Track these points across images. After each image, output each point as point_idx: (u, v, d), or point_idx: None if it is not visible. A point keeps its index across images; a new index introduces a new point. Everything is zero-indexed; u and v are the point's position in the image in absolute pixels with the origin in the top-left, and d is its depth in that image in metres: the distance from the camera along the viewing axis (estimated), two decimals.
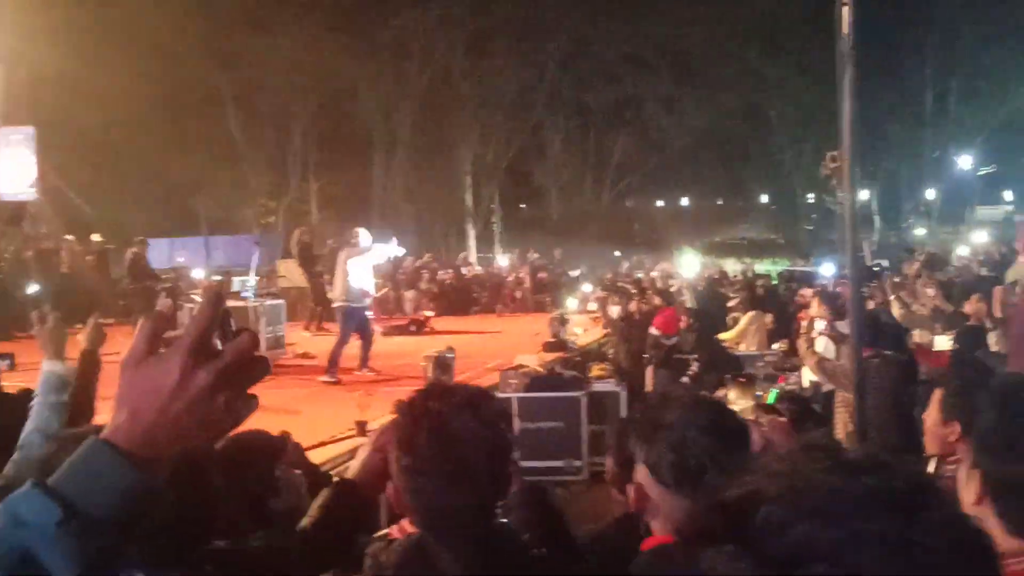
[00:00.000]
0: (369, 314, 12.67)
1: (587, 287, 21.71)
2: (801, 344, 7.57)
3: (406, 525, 1.98)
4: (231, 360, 1.00)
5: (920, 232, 38.79)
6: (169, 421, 0.99)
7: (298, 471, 3.96)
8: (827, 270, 16.85)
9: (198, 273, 22.31)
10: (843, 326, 7.31)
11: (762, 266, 28.02)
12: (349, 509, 2.05)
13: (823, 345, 7.99)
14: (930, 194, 38.14)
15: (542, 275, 25.73)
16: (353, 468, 2.14)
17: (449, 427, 1.83)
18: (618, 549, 2.23)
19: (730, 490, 0.94)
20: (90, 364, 4.00)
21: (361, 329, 12.29)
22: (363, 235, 12.58)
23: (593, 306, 17.67)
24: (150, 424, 0.99)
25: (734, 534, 0.89)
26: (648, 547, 1.96)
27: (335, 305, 12.54)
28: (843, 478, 0.88)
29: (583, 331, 16.08)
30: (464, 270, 27.18)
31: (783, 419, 3.93)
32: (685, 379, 11.16)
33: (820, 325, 8.00)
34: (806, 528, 0.85)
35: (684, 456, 1.87)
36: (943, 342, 9.86)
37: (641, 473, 1.95)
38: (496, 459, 1.87)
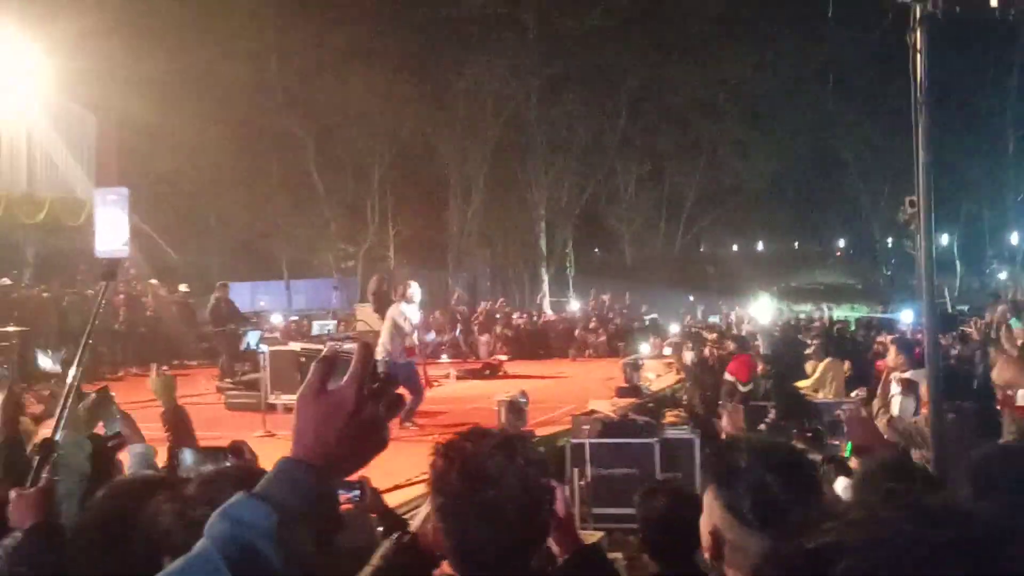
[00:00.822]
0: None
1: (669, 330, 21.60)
2: (875, 404, 7.40)
3: (446, 568, 2.04)
4: (385, 397, 1.27)
5: (1002, 276, 37.85)
6: (347, 440, 1.24)
7: (372, 515, 4.04)
8: (906, 317, 16.55)
9: (277, 317, 22.82)
10: (919, 375, 7.18)
11: (840, 312, 27.62)
12: (408, 559, 2.08)
13: (898, 403, 7.83)
14: (1014, 239, 37.22)
15: (614, 319, 25.71)
16: (417, 520, 2.18)
17: (480, 467, 1.86)
18: None
19: (811, 536, 0.91)
20: (176, 419, 4.08)
21: (408, 383, 11.81)
22: (415, 288, 12.55)
23: (668, 351, 17.59)
24: (333, 443, 1.23)
25: None
26: None
27: (380, 359, 12.25)
28: (923, 528, 0.86)
29: (656, 376, 16.01)
30: (536, 316, 27.34)
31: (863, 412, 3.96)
32: (762, 426, 11.06)
33: (895, 388, 7.79)
34: None
35: (764, 496, 1.86)
36: None
37: (717, 515, 1.93)
38: (529, 502, 1.87)
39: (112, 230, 3.08)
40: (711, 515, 1.97)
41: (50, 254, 22.08)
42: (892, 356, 8.71)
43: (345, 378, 1.25)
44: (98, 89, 20.27)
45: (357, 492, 3.41)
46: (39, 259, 22.47)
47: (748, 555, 1.88)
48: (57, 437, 3.11)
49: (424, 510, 2.15)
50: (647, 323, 25.77)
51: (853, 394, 12.73)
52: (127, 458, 3.69)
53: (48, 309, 17.34)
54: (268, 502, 1.16)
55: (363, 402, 1.25)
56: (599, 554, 2.60)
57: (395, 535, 2.23)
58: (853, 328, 20.45)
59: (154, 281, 22.25)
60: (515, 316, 26.45)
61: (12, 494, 2.75)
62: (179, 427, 4.05)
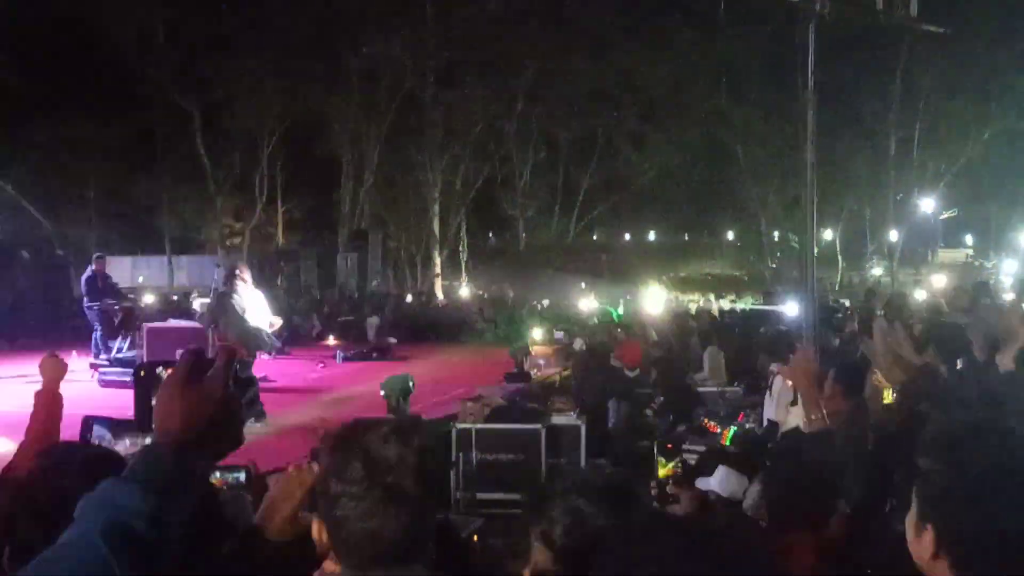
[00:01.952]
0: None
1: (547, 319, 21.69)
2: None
3: (329, 565, 1.94)
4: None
5: (878, 272, 39.28)
6: (210, 429, 1.38)
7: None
8: (791, 309, 16.92)
9: (150, 297, 22.02)
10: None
11: (725, 302, 28.19)
12: (257, 553, 2.08)
13: (778, 388, 7.93)
14: (893, 235, 38.63)
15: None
16: (262, 514, 2.18)
17: (380, 453, 1.83)
18: None
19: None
20: (52, 403, 4.08)
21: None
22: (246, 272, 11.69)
23: (559, 335, 17.65)
24: (198, 429, 1.36)
25: None
26: None
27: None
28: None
29: (545, 363, 16.03)
30: (427, 299, 27.17)
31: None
32: (648, 412, 11.15)
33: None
34: None
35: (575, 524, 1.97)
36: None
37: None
38: (425, 488, 1.85)
39: None
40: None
41: None
42: (829, 387, 8.74)
43: (211, 372, 1.40)
44: None
45: (242, 474, 3.42)
46: None
47: None
48: None
49: (267, 503, 2.15)
50: (539, 309, 25.83)
51: (735, 384, 12.95)
52: None
53: None
54: (138, 484, 1.26)
55: (229, 396, 1.39)
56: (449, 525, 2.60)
57: (243, 531, 2.18)
58: (745, 317, 20.81)
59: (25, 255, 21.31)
60: (408, 299, 26.25)
61: None
62: (51, 412, 4.15)
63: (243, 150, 32.63)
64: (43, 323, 18.80)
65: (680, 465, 5.60)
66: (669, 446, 6.98)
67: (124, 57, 29.02)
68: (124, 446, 5.89)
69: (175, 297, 23.65)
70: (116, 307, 15.83)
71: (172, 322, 13.72)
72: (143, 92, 30.21)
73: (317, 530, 1.92)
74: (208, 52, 29.77)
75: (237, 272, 11.49)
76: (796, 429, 6.95)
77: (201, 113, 31.52)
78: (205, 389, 1.39)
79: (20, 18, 25.60)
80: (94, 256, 17.01)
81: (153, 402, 1.46)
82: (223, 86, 30.64)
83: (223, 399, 1.39)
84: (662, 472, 5.53)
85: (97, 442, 6.67)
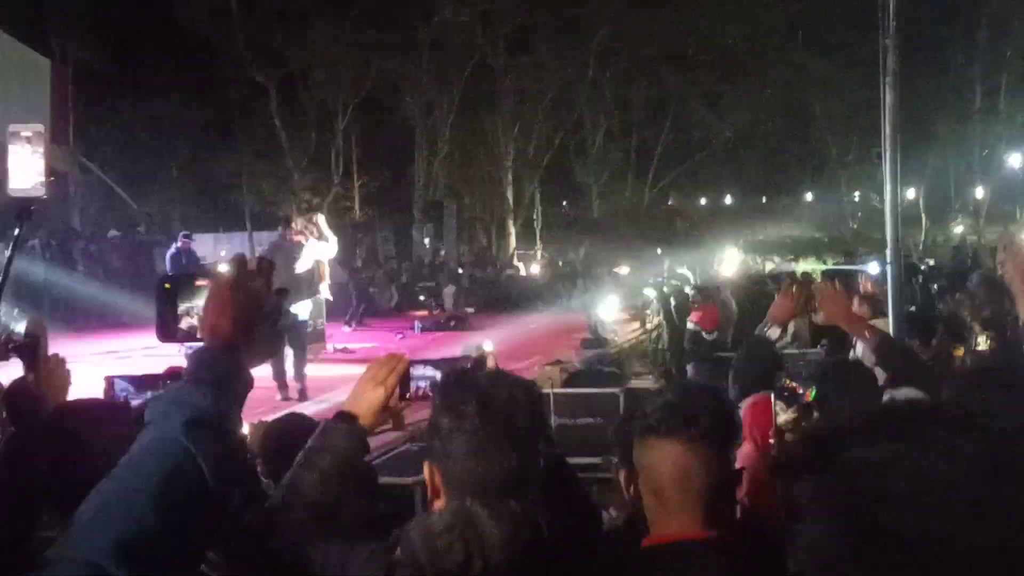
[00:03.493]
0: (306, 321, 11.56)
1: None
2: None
3: (439, 504, 1.98)
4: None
5: (959, 230, 38.14)
6: (259, 331, 1.47)
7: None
8: (872, 268, 16.57)
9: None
10: (882, 324, 7.15)
11: (806, 264, 27.71)
12: (353, 437, 2.08)
13: (860, 350, 7.78)
14: (979, 193, 37.44)
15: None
16: (351, 401, 2.15)
17: (492, 391, 1.90)
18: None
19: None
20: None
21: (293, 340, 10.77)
22: (321, 220, 12.07)
23: (636, 302, 17.58)
24: (247, 331, 1.46)
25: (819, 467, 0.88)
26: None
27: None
28: (937, 433, 0.84)
29: (622, 328, 16.00)
30: (507, 271, 27.24)
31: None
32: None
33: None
34: (890, 475, 0.82)
35: None
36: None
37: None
38: (534, 427, 1.92)
39: (26, 167, 2.89)
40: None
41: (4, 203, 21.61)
42: (856, 306, 8.68)
43: (255, 279, 1.49)
44: (54, 33, 19.80)
45: None
46: None
47: None
48: None
49: (356, 391, 2.16)
50: (615, 275, 25.72)
51: (819, 346, 12.74)
52: None
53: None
54: (206, 384, 1.37)
55: (274, 303, 1.49)
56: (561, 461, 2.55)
57: (337, 412, 2.17)
58: (818, 280, 20.45)
59: (115, 232, 21.92)
60: (488, 271, 26.36)
61: None
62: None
63: (318, 124, 32.98)
64: (132, 301, 19.36)
65: (801, 410, 5.54)
66: (787, 393, 6.93)
67: (200, 34, 29.50)
68: (145, 398, 6.04)
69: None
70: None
71: None
72: (220, 69, 30.70)
73: (428, 471, 1.96)
74: (282, 26, 30.10)
75: (293, 225, 11.81)
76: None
77: (277, 88, 31.92)
78: (253, 293, 1.47)
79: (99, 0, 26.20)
80: (180, 235, 17.45)
81: (180, 310, 1.64)
82: (297, 60, 30.98)
83: (268, 305, 1.48)
84: (782, 419, 5.49)
85: (122, 396, 6.89)
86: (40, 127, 2.91)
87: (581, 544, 2.20)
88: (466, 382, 1.95)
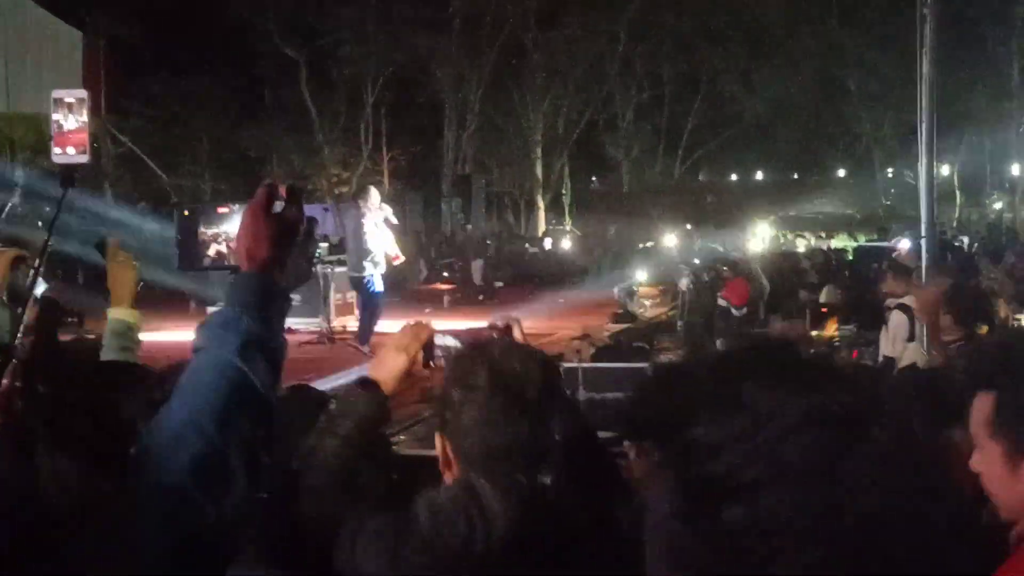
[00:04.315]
0: (372, 285, 11.98)
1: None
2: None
3: (450, 478, 1.96)
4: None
5: (997, 206, 37.64)
6: (291, 257, 1.50)
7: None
8: (904, 245, 16.39)
9: None
10: (909, 300, 7.06)
11: (838, 241, 27.49)
12: (373, 403, 2.07)
13: (893, 324, 7.70)
14: (1015, 169, 36.88)
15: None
16: (373, 368, 2.16)
17: (503, 362, 1.88)
18: None
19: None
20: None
21: (366, 301, 11.84)
22: (373, 195, 12.40)
23: (666, 277, 17.51)
24: (281, 257, 1.48)
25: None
26: None
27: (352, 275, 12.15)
28: (777, 399, 0.81)
29: (651, 303, 15.93)
30: (534, 247, 27.22)
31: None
32: None
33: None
34: (729, 458, 0.79)
35: None
36: None
37: None
38: (547, 398, 1.88)
39: (71, 136, 2.90)
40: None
41: (39, 174, 21.81)
42: (889, 282, 8.58)
43: (286, 204, 1.51)
44: (86, 6, 19.88)
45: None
46: (29, 178, 22.21)
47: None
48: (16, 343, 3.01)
49: (380, 356, 2.16)
50: (645, 250, 25.62)
51: (850, 322, 12.64)
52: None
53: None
54: (252, 307, 1.42)
55: (307, 227, 1.52)
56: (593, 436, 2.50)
57: (358, 379, 2.16)
58: (852, 258, 20.31)
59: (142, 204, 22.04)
60: (527, 247, 26.32)
61: None
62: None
63: (348, 98, 32.98)
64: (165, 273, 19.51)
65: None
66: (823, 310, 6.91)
67: (232, 7, 29.52)
68: None
69: None
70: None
71: None
72: (251, 42, 30.75)
73: (440, 443, 1.95)
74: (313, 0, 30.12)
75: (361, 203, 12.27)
76: (913, 366, 6.76)
77: (307, 62, 31.95)
78: (287, 217, 1.51)
79: None
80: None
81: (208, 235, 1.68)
82: (328, 34, 30.96)
83: (300, 230, 1.51)
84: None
85: None
86: (83, 93, 2.93)
87: (604, 520, 2.18)
88: (477, 353, 1.94)
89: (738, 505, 0.77)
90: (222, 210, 1.79)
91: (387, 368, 2.13)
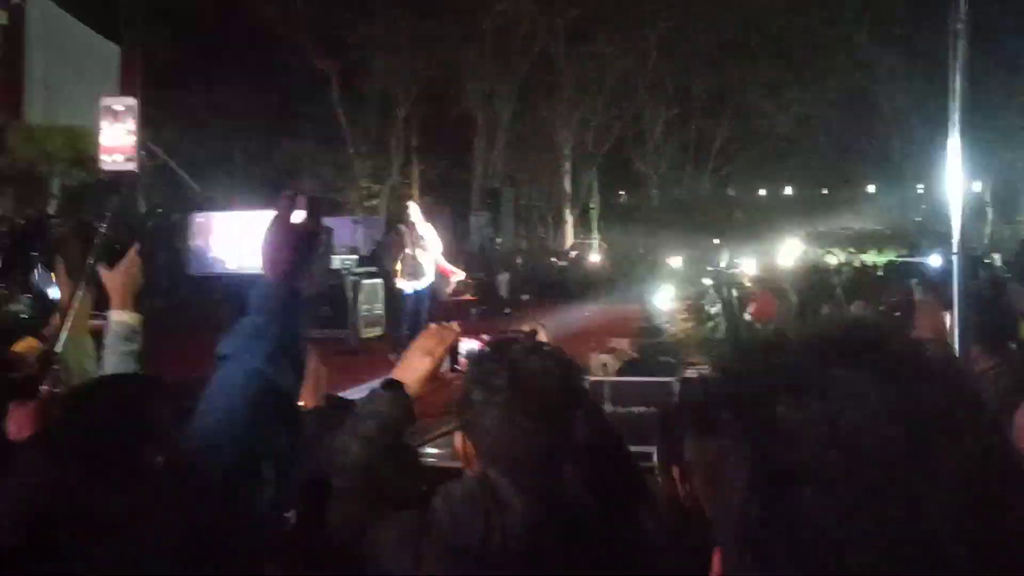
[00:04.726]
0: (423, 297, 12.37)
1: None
2: None
3: (472, 473, 1.99)
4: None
5: None
6: (314, 260, 1.55)
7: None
8: (935, 261, 16.28)
9: None
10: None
11: (868, 257, 27.30)
12: (397, 404, 2.09)
13: None
14: None
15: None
16: (399, 371, 2.18)
17: (524, 363, 1.89)
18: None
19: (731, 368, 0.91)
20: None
21: (415, 313, 12.11)
22: (414, 209, 12.68)
23: (693, 292, 17.44)
24: (303, 265, 1.54)
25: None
26: None
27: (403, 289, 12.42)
28: (865, 384, 0.79)
29: (678, 317, 15.89)
30: (561, 261, 27.23)
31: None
32: None
33: None
34: (805, 444, 0.78)
35: None
36: None
37: None
38: (568, 400, 1.90)
39: (119, 142, 2.99)
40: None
41: (75, 186, 22.10)
42: (919, 296, 8.49)
43: (303, 219, 1.57)
44: (122, 20, 20.15)
45: None
46: (65, 191, 22.50)
47: None
48: (58, 349, 3.05)
49: (407, 360, 2.16)
50: (673, 265, 25.57)
51: None
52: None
53: (69, 241, 17.35)
54: (276, 317, 1.48)
55: (324, 237, 1.53)
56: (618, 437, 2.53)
57: (385, 380, 2.18)
58: (881, 274, 20.16)
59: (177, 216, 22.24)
60: (554, 260, 26.35)
61: (11, 407, 2.69)
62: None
63: (379, 112, 33.20)
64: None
65: None
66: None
67: (265, 21, 29.84)
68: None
69: None
70: None
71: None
72: (283, 56, 31.06)
73: (460, 442, 1.98)
74: (345, 13, 30.35)
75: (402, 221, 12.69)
76: None
77: (339, 76, 32.21)
78: (308, 227, 1.57)
79: None
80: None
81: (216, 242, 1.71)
82: (359, 48, 31.22)
83: (320, 240, 1.58)
84: None
85: None
86: (132, 101, 3.03)
87: (626, 522, 2.16)
88: (499, 354, 1.95)
89: (812, 487, 0.76)
90: (239, 219, 1.90)
91: (412, 370, 2.15)
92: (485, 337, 2.30)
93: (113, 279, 2.69)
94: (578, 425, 1.95)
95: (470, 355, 2.07)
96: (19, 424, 2.63)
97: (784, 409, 0.79)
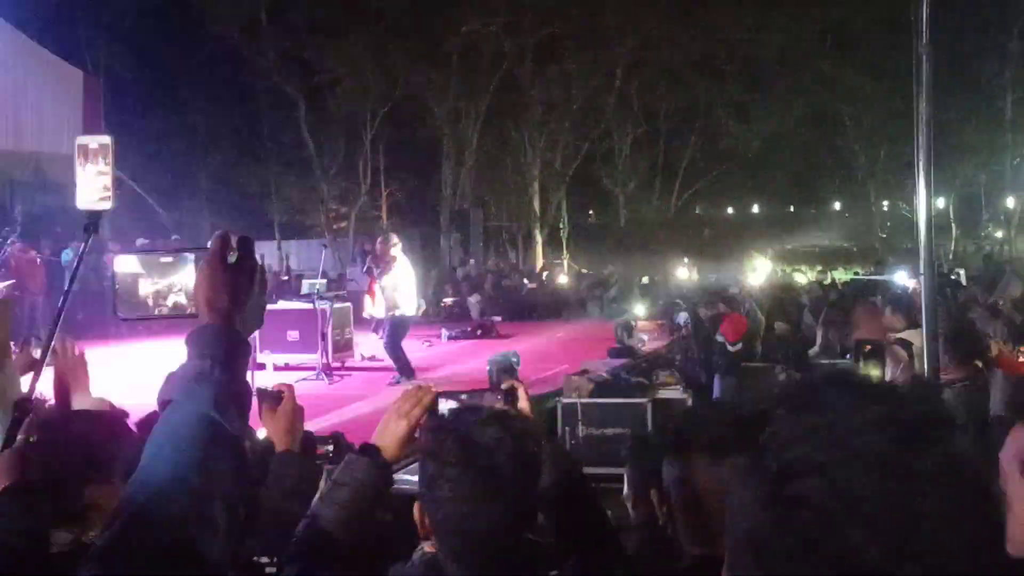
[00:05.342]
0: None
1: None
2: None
3: (428, 549, 1.96)
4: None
5: (999, 235, 37.74)
6: (251, 304, 1.53)
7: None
8: (900, 278, 16.42)
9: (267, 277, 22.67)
10: (914, 335, 7.00)
11: (838, 274, 27.55)
12: (373, 470, 2.05)
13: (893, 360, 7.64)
14: (1010, 202, 37.04)
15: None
16: (377, 434, 2.15)
17: (476, 437, 1.84)
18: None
19: (746, 406, 1.00)
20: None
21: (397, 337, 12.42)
22: (394, 237, 12.93)
23: (664, 312, 17.51)
24: (243, 304, 1.52)
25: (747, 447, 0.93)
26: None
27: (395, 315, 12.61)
28: (852, 403, 0.89)
29: (649, 338, 15.92)
30: (532, 282, 27.26)
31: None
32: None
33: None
34: (805, 446, 0.86)
35: None
36: None
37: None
38: (522, 474, 1.85)
39: (94, 181, 2.92)
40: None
41: (39, 212, 21.84)
42: (888, 316, 8.51)
43: (238, 257, 1.54)
44: (85, 43, 20.03)
45: (330, 446, 3.35)
46: (28, 217, 22.25)
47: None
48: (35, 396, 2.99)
49: (385, 424, 2.16)
50: (642, 284, 25.66)
51: (847, 357, 12.63)
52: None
53: (35, 269, 17.15)
54: (218, 360, 1.43)
55: (261, 275, 1.56)
56: (568, 456, 2.51)
57: (362, 445, 2.14)
58: (841, 292, 20.31)
59: (143, 240, 22.05)
60: (505, 280, 26.38)
61: None
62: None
63: (346, 134, 33.17)
64: None
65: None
66: (868, 348, 6.89)
67: (230, 45, 29.76)
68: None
69: (285, 277, 24.33)
70: None
71: (282, 304, 14.08)
72: (249, 79, 30.98)
73: (419, 513, 1.93)
74: (311, 37, 30.34)
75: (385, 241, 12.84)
76: None
77: (305, 99, 32.16)
78: (243, 267, 1.54)
79: (128, 9, 26.49)
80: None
81: (161, 287, 1.74)
82: (326, 71, 31.19)
83: (256, 277, 1.55)
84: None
85: None
86: (107, 139, 2.96)
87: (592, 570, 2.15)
88: (449, 428, 1.90)
89: (812, 479, 0.83)
90: (165, 259, 1.83)
91: (389, 434, 2.12)
92: (464, 397, 2.27)
93: (278, 424, 2.63)
94: (534, 501, 1.91)
95: (424, 426, 2.02)
96: None
97: (783, 423, 0.89)
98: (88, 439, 2.49)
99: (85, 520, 2.33)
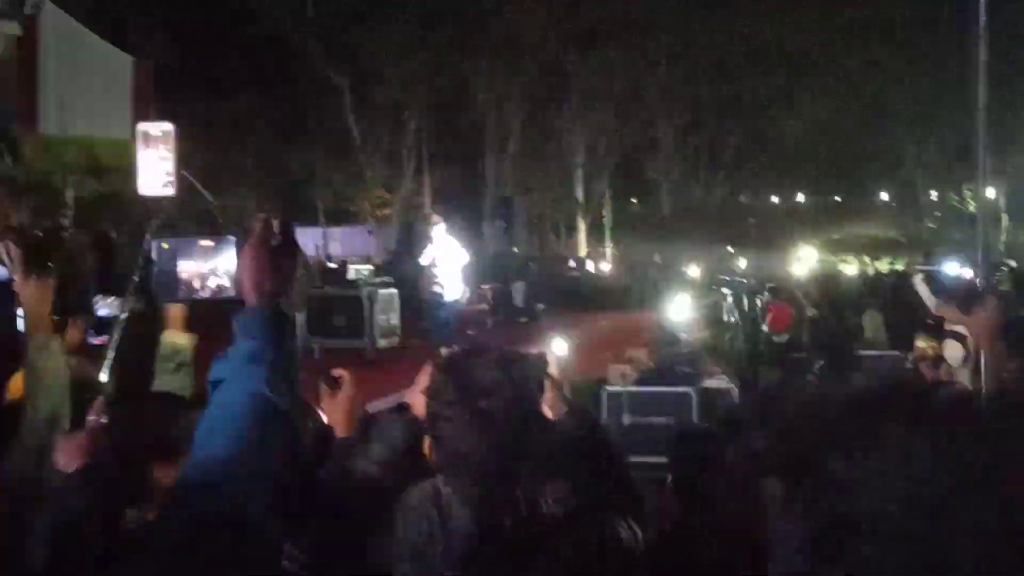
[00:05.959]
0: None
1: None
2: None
3: (438, 482, 2.03)
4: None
5: None
6: (293, 286, 1.55)
7: None
8: (951, 268, 16.15)
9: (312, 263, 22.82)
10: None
11: (882, 265, 27.21)
12: (409, 430, 2.19)
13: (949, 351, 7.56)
14: None
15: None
16: (410, 394, 2.33)
17: (473, 377, 1.92)
18: None
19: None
20: None
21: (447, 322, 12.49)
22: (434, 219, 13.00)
23: (708, 301, 17.38)
24: (286, 286, 1.55)
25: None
26: None
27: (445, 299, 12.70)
28: (921, 441, 0.82)
29: (694, 326, 15.81)
30: (575, 270, 27.21)
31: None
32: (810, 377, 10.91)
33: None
34: (864, 495, 0.79)
35: None
36: None
37: None
38: (518, 414, 1.92)
39: (155, 167, 2.98)
40: None
41: (90, 196, 22.14)
42: (918, 284, 8.48)
43: (281, 239, 1.58)
44: (133, 30, 20.23)
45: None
46: (80, 202, 22.55)
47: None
48: (103, 378, 3.04)
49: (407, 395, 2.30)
50: (687, 274, 25.48)
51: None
52: None
53: (85, 253, 17.38)
54: (269, 340, 1.48)
55: (304, 260, 1.61)
56: (588, 413, 2.64)
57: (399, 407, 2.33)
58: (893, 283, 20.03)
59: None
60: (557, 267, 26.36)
61: (59, 438, 2.66)
62: None
63: (391, 121, 33.27)
64: None
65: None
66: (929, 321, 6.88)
67: (277, 32, 29.96)
68: None
69: (333, 266, 24.49)
70: None
71: (329, 289, 14.17)
72: (296, 67, 31.17)
73: (428, 447, 2.04)
74: (356, 25, 30.43)
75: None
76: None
77: (350, 86, 32.29)
78: (286, 251, 1.59)
79: None
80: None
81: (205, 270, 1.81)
82: (371, 57, 31.30)
83: (299, 259, 1.60)
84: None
85: None
86: (169, 127, 3.02)
87: (592, 534, 2.14)
88: (450, 367, 2.00)
89: (871, 540, 0.78)
90: (206, 243, 1.92)
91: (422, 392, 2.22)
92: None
93: (336, 409, 2.66)
94: (533, 437, 1.96)
95: (430, 367, 2.10)
96: (68, 455, 2.59)
97: (837, 465, 0.81)
98: (155, 420, 2.55)
99: (152, 499, 2.39)
